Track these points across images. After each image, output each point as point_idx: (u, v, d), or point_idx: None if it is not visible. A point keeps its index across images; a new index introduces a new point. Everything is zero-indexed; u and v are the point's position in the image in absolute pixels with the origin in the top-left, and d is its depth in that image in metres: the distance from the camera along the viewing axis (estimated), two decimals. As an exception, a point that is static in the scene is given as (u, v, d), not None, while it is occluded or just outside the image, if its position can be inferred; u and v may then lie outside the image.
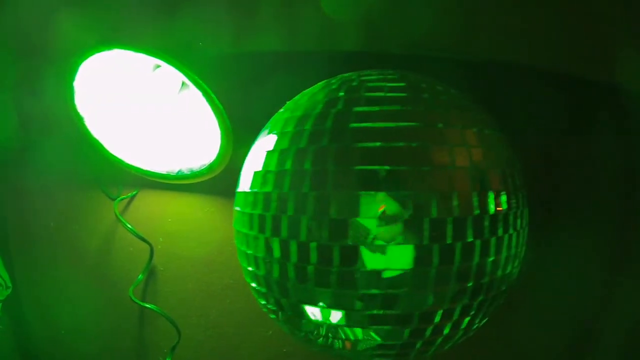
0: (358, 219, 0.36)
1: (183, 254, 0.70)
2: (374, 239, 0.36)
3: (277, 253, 0.37)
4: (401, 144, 0.36)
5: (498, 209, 0.39)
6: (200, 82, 0.54)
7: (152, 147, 0.65)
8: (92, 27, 0.60)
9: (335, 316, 0.39)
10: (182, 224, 0.69)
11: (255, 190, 0.39)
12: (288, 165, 0.36)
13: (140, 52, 0.55)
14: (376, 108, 0.37)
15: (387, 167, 0.35)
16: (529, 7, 0.62)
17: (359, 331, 0.40)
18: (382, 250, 0.37)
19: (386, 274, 0.36)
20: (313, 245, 0.36)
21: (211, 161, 0.60)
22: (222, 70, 0.63)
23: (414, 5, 0.61)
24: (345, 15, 0.61)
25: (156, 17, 0.62)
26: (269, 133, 0.41)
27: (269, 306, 0.42)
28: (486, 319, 0.45)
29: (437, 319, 0.39)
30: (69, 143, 0.67)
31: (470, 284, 0.38)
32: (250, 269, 0.41)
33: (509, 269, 0.41)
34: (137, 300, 0.69)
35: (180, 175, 0.64)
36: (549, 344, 0.68)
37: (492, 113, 0.64)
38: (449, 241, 0.36)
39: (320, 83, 0.43)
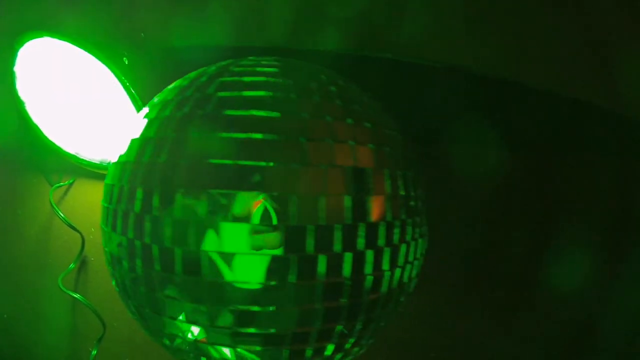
0: (229, 224, 0.35)
1: (113, 246, 0.69)
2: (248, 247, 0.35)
3: (138, 258, 0.36)
4: (257, 135, 0.33)
5: (378, 217, 0.36)
6: (121, 76, 0.55)
7: (88, 136, 0.66)
8: (32, 14, 0.61)
9: (194, 331, 0.37)
10: (113, 215, 0.69)
11: (116, 182, 0.38)
12: (132, 156, 0.36)
13: (67, 41, 0.55)
14: (234, 93, 0.35)
15: (261, 163, 0.33)
16: (525, 22, 0.61)
17: (228, 351, 0.38)
18: (236, 260, 0.35)
19: (244, 287, 0.35)
20: (155, 248, 0.34)
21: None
22: (161, 63, 0.63)
23: (409, 10, 0.61)
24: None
25: (96, 4, 0.62)
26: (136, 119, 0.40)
27: (136, 319, 0.41)
28: (373, 338, 0.42)
29: (312, 340, 0.37)
30: (13, 126, 0.68)
31: (344, 301, 0.35)
32: (115, 274, 0.40)
33: (394, 284, 0.38)
34: (65, 290, 0.69)
35: (111, 167, 0.64)
36: (549, 343, 0.69)
37: (494, 127, 0.66)
38: (309, 251, 0.33)
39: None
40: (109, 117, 0.65)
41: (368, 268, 0.35)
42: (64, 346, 0.75)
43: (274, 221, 0.36)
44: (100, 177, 0.69)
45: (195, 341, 0.38)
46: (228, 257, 0.35)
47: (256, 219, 0.36)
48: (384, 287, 0.37)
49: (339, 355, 0.39)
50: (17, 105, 0.65)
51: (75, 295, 0.69)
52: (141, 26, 0.64)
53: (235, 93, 0.35)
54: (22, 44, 0.58)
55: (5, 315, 0.80)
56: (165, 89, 0.40)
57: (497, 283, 0.73)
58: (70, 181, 0.71)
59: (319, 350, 0.37)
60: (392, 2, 0.60)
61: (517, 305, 0.73)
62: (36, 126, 0.66)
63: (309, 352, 0.36)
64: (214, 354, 0.38)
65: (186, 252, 0.33)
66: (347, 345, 0.39)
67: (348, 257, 0.34)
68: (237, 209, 0.35)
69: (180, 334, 0.38)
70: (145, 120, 0.38)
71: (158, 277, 0.35)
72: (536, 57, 0.64)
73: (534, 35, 0.62)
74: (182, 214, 0.34)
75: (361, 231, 0.34)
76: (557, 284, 0.69)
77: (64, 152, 0.66)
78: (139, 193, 0.35)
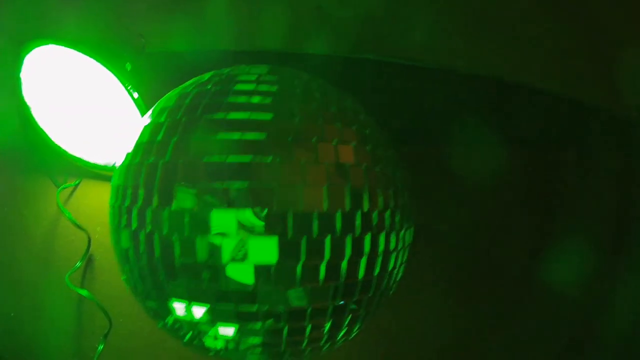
0: (220, 211, 0.37)
1: (118, 245, 0.72)
2: (237, 232, 0.37)
3: (142, 246, 0.39)
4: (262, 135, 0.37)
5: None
6: (124, 80, 0.57)
7: (92, 139, 0.68)
8: (37, 21, 0.63)
9: (198, 312, 0.40)
10: (117, 215, 0.72)
11: (122, 183, 0.40)
12: (138, 158, 0.38)
13: (72, 48, 0.58)
14: (241, 99, 0.39)
15: (248, 158, 0.36)
16: (526, 23, 0.63)
17: (230, 329, 0.41)
18: (245, 243, 0.38)
19: (249, 269, 0.37)
20: (175, 238, 0.37)
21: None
22: (162, 68, 0.65)
23: (409, 13, 0.63)
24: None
25: (98, 11, 0.65)
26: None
27: (143, 304, 0.43)
28: (363, 322, 0.45)
29: (307, 317, 0.40)
30: (19, 129, 0.70)
31: (341, 281, 0.39)
32: (124, 265, 0.43)
33: (375, 269, 0.41)
34: (72, 287, 0.71)
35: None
36: (549, 343, 0.70)
37: (493, 128, 0.67)
38: (315, 235, 0.37)
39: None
40: (112, 120, 0.68)
41: (347, 252, 0.38)
42: (70, 343, 0.77)
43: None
44: (105, 178, 0.71)
45: (197, 323, 0.40)
46: (223, 242, 0.37)
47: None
48: (361, 273, 0.40)
49: (341, 332, 0.42)
50: (23, 110, 0.67)
51: (82, 293, 0.71)
52: (143, 31, 0.66)
53: (242, 99, 0.39)
54: (28, 51, 0.61)
55: (12, 314, 0.82)
56: (170, 94, 0.43)
57: (497, 282, 0.75)
58: (76, 182, 0.73)
59: (317, 327, 0.40)
60: (392, 6, 0.63)
61: (516, 304, 0.74)
62: (42, 130, 0.68)
63: (307, 329, 0.40)
64: (213, 332, 0.41)
65: (183, 239, 0.36)
66: (344, 323, 0.42)
67: (327, 241, 0.37)
68: (227, 199, 0.37)
69: (182, 317, 0.40)
70: (150, 124, 0.41)
71: (160, 262, 0.38)
72: (535, 58, 0.66)
73: (533, 36, 0.64)
74: (178, 205, 0.37)
75: (338, 219, 0.37)
76: (556, 282, 0.70)
77: (69, 155, 0.69)
78: (141, 191, 0.38)
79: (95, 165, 0.69)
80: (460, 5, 0.63)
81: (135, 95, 0.57)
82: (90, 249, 0.73)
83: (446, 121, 0.72)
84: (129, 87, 0.57)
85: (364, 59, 0.67)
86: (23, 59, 0.62)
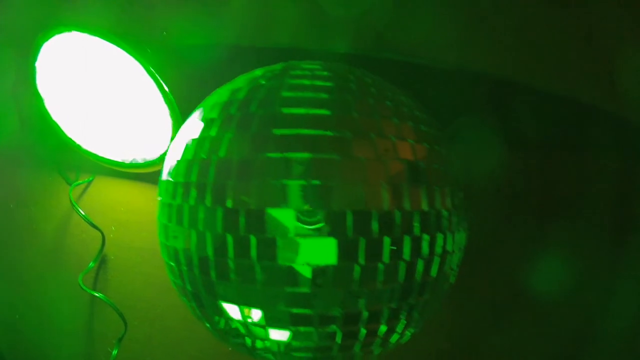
0: (277, 209, 0.35)
1: (134, 244, 0.69)
2: (295, 231, 0.35)
3: (193, 245, 0.37)
4: (321, 132, 0.35)
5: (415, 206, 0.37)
6: (152, 71, 0.54)
7: (109, 134, 0.65)
8: (56, 9, 0.60)
9: (255, 315, 0.38)
10: (134, 213, 0.69)
11: (173, 179, 0.38)
12: (203, 154, 0.36)
13: (97, 35, 0.55)
14: (298, 94, 0.37)
15: (307, 155, 0.35)
16: (526, 23, 0.63)
17: (282, 332, 0.39)
18: (302, 243, 0.36)
19: (306, 269, 0.35)
20: (229, 237, 0.36)
21: (163, 152, 0.60)
22: (181, 61, 0.63)
23: (411, 10, 0.62)
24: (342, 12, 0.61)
25: (122, 2, 0.62)
26: (192, 119, 0.41)
27: (191, 305, 0.41)
28: (417, 326, 0.43)
29: (364, 320, 0.38)
30: (29, 124, 0.67)
31: (399, 283, 0.37)
32: (171, 263, 0.41)
33: (432, 272, 0.39)
34: (85, 288, 0.68)
35: (133, 164, 0.64)
36: (547, 346, 0.69)
37: (494, 128, 0.67)
38: (375, 235, 0.35)
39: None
40: (129, 114, 0.65)
41: (406, 254, 0.37)
42: (81, 348, 0.74)
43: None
44: (121, 175, 0.68)
45: (247, 325, 0.39)
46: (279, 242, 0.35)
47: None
48: (419, 274, 0.38)
49: (394, 337, 0.40)
50: (36, 102, 0.64)
51: (96, 294, 0.68)
52: (162, 24, 0.64)
53: (298, 94, 0.37)
54: (47, 39, 0.58)
55: (17, 316, 0.78)
56: (220, 89, 0.41)
57: (494, 284, 0.74)
58: (90, 179, 0.70)
59: (371, 332, 0.39)
60: (394, 3, 0.62)
61: (515, 305, 0.74)
62: (55, 123, 0.65)
63: (361, 334, 0.38)
64: (264, 335, 0.39)
65: (237, 239, 0.35)
66: (399, 327, 0.40)
67: (387, 241, 0.36)
68: (285, 197, 0.35)
69: (232, 319, 0.39)
70: (202, 119, 0.39)
71: (212, 262, 0.36)
72: (537, 57, 0.66)
73: (534, 35, 0.63)
74: (233, 203, 0.35)
75: (398, 218, 0.36)
76: (555, 285, 0.70)
77: (84, 149, 0.66)
78: (194, 188, 0.36)
79: (110, 162, 0.65)
80: (461, 4, 0.62)
81: (166, 88, 0.55)
82: (104, 249, 0.69)
83: (443, 121, 0.71)
84: (159, 80, 0.54)
85: (366, 55, 0.66)
86: (41, 46, 0.59)
